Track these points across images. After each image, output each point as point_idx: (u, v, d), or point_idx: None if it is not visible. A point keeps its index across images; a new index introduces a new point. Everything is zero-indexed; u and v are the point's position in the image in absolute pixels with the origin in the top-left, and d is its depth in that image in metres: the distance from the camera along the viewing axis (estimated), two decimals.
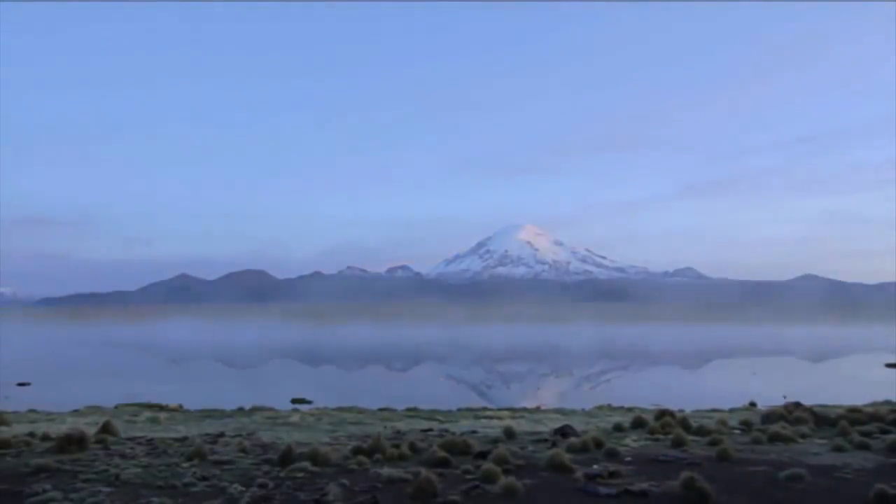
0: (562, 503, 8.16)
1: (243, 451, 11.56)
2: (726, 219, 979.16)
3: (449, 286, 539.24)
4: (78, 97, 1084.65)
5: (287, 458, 10.19)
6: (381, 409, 20.68)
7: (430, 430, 15.34)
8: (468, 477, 9.30)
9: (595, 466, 9.93)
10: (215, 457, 10.78)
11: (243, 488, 8.57)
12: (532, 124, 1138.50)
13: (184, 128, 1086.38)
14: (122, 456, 10.92)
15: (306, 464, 9.87)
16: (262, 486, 8.72)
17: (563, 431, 14.00)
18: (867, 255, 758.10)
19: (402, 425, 16.46)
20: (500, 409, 21.18)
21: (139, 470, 9.71)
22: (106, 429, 13.74)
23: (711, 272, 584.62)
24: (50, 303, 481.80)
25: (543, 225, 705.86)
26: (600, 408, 21.61)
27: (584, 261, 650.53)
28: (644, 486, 8.78)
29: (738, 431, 14.55)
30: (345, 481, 8.89)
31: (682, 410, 19.02)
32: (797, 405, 17.60)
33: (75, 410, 20.49)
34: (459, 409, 21.15)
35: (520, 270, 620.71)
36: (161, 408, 21.12)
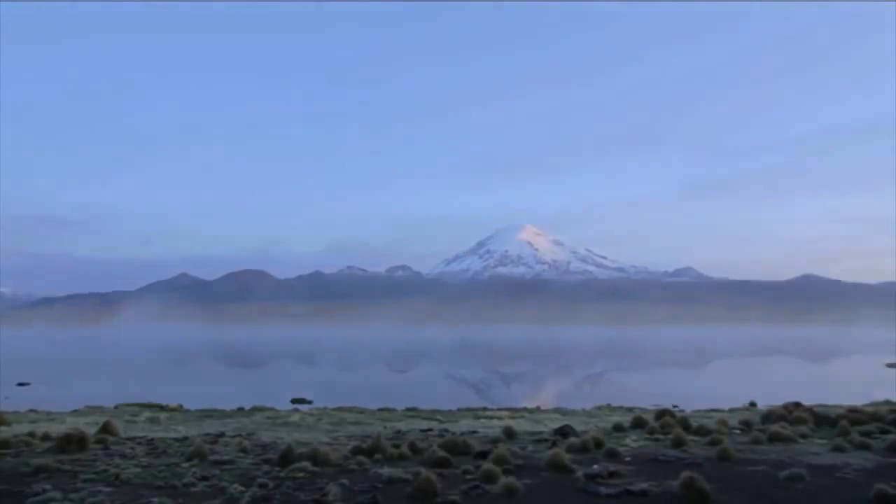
0: (562, 503, 8.16)
1: (243, 451, 11.57)
2: (726, 219, 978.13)
3: (449, 286, 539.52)
4: (79, 98, 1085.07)
5: (287, 458, 10.20)
6: (380, 409, 20.69)
7: (430, 430, 15.35)
8: (468, 477, 9.31)
9: (595, 466, 9.93)
10: (215, 457, 10.79)
11: (243, 488, 8.57)
12: (532, 124, 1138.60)
13: (184, 128, 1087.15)
14: (122, 456, 10.93)
15: (306, 464, 9.87)
16: (262, 486, 8.72)
17: (563, 431, 14.00)
18: (867, 255, 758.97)
19: (402, 425, 16.46)
20: (500, 409, 21.19)
21: (139, 470, 9.71)
22: (106, 429, 13.75)
23: (711, 272, 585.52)
24: (50, 303, 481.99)
25: (543, 225, 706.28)
26: (600, 408, 21.62)
27: (584, 261, 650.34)
28: (644, 486, 8.78)
29: (738, 431, 14.55)
30: (345, 481, 8.89)
31: (681, 410, 19.04)
32: (797, 405, 17.59)
33: (75, 410, 20.51)
34: (459, 409, 21.16)
35: (520, 270, 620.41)
36: (161, 408, 21.13)
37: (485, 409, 21.65)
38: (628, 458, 10.91)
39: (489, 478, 8.95)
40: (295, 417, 18.14)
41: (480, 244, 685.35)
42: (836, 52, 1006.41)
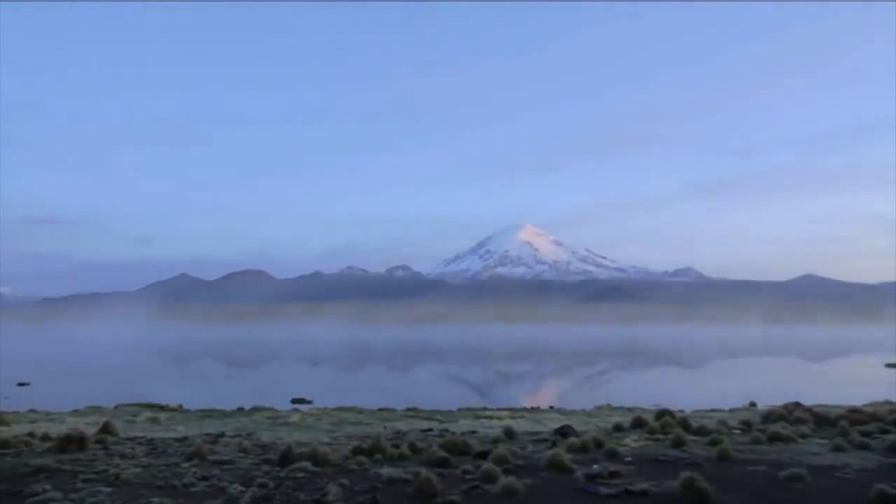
0: (562, 503, 8.16)
1: (243, 451, 11.57)
2: (726, 218, 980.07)
3: (449, 286, 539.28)
4: (80, 100, 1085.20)
5: (287, 458, 10.20)
6: (380, 409, 20.68)
7: (430, 430, 15.35)
8: (468, 477, 9.30)
9: (595, 466, 9.93)
10: (215, 457, 10.79)
11: (243, 488, 8.57)
12: (532, 124, 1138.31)
13: (184, 128, 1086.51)
14: (122, 456, 10.93)
15: (306, 464, 9.87)
16: (262, 486, 8.72)
17: (563, 431, 14.00)
18: (867, 255, 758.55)
19: (402, 425, 16.46)
20: (500, 409, 21.19)
21: (139, 470, 9.71)
22: (106, 429, 13.75)
23: (711, 272, 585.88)
24: (50, 303, 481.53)
25: (543, 225, 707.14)
26: (600, 408, 21.61)
27: (584, 261, 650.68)
28: (644, 486, 8.78)
29: (738, 431, 14.55)
30: (345, 481, 8.89)
31: (682, 410, 19.02)
32: (797, 405, 17.60)
33: (75, 410, 20.49)
34: (459, 409, 21.16)
35: (520, 270, 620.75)
36: (161, 408, 21.11)
37: (485, 409, 21.64)
38: (628, 458, 10.91)
39: (489, 478, 8.95)
40: (295, 417, 18.13)
41: (480, 244, 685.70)
42: (839, 53, 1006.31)
